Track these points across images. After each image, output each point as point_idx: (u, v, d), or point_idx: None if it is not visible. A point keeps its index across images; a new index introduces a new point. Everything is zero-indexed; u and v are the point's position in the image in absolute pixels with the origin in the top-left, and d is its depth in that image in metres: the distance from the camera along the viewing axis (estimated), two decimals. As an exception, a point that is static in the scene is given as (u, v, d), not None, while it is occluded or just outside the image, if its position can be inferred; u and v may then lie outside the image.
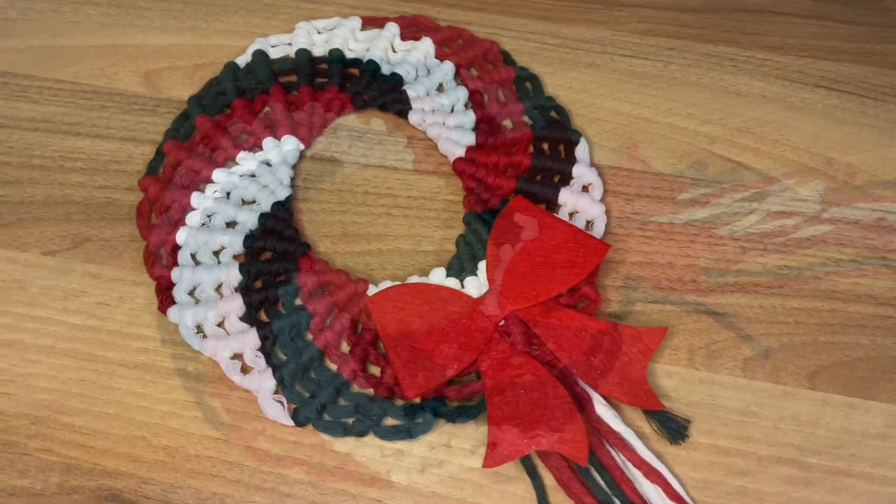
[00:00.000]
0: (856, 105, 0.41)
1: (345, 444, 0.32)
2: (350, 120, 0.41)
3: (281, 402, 0.32)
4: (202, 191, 0.37)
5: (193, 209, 0.37)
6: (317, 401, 0.32)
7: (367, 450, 0.32)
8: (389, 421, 0.32)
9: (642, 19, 0.44)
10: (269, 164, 0.38)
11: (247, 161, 0.38)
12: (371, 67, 0.41)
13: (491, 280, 0.34)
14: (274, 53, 0.42)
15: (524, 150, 0.39)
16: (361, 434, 0.32)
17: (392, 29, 0.42)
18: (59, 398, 0.33)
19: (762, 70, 0.42)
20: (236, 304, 0.34)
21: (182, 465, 0.31)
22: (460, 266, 0.35)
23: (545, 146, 0.39)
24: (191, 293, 0.35)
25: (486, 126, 0.40)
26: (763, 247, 0.37)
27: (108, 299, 0.35)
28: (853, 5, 0.45)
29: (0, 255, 0.36)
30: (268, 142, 0.38)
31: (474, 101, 0.41)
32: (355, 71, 0.42)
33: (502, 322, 0.33)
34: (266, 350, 0.33)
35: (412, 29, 0.43)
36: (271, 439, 0.32)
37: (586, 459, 0.29)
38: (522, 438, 0.30)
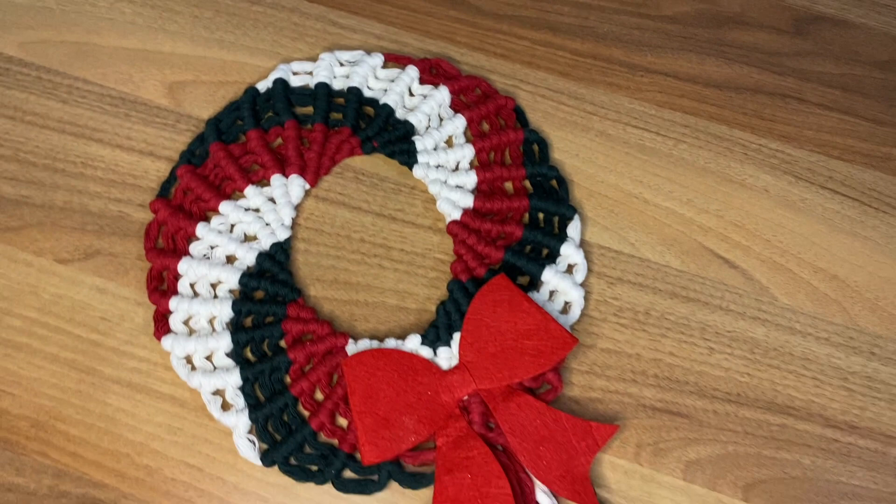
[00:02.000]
0: (856, 213, 0.41)
1: (306, 489, 0.35)
2: (358, 162, 0.42)
3: (253, 442, 0.35)
4: (209, 221, 0.40)
5: (198, 239, 0.39)
6: (285, 446, 0.35)
7: (325, 497, 0.35)
8: (348, 474, 0.35)
9: (663, 89, 0.44)
10: (273, 202, 0.40)
11: (253, 196, 0.40)
12: (385, 111, 0.42)
13: (462, 355, 0.36)
14: (295, 81, 0.43)
15: (518, 220, 0.40)
16: (321, 483, 0.35)
17: (411, 73, 0.43)
18: (58, 406, 0.36)
19: (771, 162, 0.43)
20: (224, 342, 0.37)
21: (159, 486, 0.35)
22: (435, 335, 0.37)
23: (540, 216, 0.41)
24: (186, 322, 0.38)
25: (486, 188, 0.41)
26: (730, 351, 0.38)
27: (111, 315, 0.38)
28: (879, 101, 0.44)
29: (18, 257, 0.39)
30: (276, 178, 0.40)
31: (480, 160, 0.42)
32: (371, 110, 0.43)
33: (466, 398, 0.36)
34: (246, 390, 0.36)
35: (432, 73, 0.44)
36: (240, 474, 0.35)
37: (511, 554, 0.32)
38: (460, 522, 0.33)
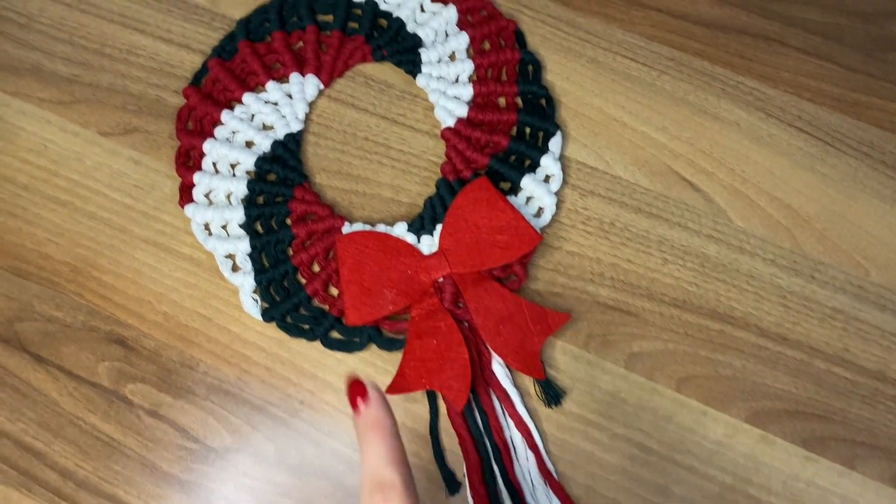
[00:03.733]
0: (818, 151, 0.45)
1: (298, 344, 0.41)
2: (369, 68, 0.47)
3: (256, 300, 0.41)
4: (233, 109, 0.45)
5: (222, 124, 0.44)
6: (283, 306, 0.41)
7: (313, 352, 0.41)
8: (335, 335, 0.41)
9: (654, 24, 0.48)
10: (290, 97, 0.45)
11: (273, 91, 0.45)
12: (397, 24, 0.46)
13: (441, 243, 0.41)
14: (319, -9, 0.48)
15: (506, 132, 0.45)
16: (311, 339, 0.41)
17: (424, -10, 0.47)
18: (94, 256, 0.42)
19: (746, 98, 0.46)
20: (238, 214, 0.42)
21: (174, 330, 0.41)
22: (421, 224, 0.42)
23: (527, 130, 0.45)
24: (206, 195, 0.43)
25: (481, 101, 0.45)
26: (682, 263, 0.43)
27: (144, 184, 0.44)
28: (857, 51, 0.47)
29: (67, 128, 0.45)
30: (294, 76, 0.45)
31: (478, 75, 0.46)
32: (384, 22, 0.47)
33: (440, 280, 0.41)
34: (253, 256, 0.42)
35: (443, -8, 0.48)
36: (244, 327, 0.41)
37: (462, 406, 0.38)
38: (422, 377, 0.38)
